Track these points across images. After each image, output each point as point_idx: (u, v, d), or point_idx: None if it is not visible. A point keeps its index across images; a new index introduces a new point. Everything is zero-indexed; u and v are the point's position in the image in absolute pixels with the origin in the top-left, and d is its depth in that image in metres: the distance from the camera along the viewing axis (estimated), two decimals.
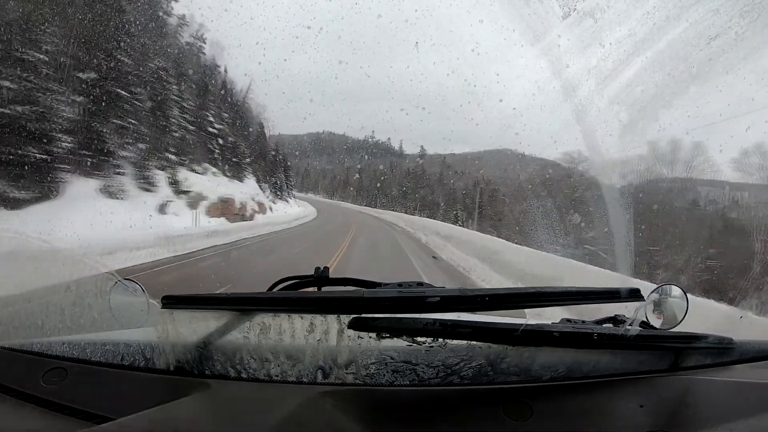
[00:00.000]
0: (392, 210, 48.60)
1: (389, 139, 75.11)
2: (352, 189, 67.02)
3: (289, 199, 34.17)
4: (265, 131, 30.87)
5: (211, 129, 20.83)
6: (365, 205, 57.95)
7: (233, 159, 22.22)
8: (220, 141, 21.38)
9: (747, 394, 0.69)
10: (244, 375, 0.72)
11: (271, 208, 24.13)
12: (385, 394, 0.68)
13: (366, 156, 72.10)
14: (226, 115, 22.92)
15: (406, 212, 45.82)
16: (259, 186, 25.22)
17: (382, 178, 64.45)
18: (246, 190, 21.18)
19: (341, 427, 0.59)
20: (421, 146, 70.62)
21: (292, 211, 26.62)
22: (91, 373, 0.76)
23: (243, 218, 18.31)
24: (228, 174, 21.14)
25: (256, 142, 27.91)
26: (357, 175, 67.18)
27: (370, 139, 72.65)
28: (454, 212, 50.40)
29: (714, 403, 0.68)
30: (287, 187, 34.67)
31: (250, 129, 27.11)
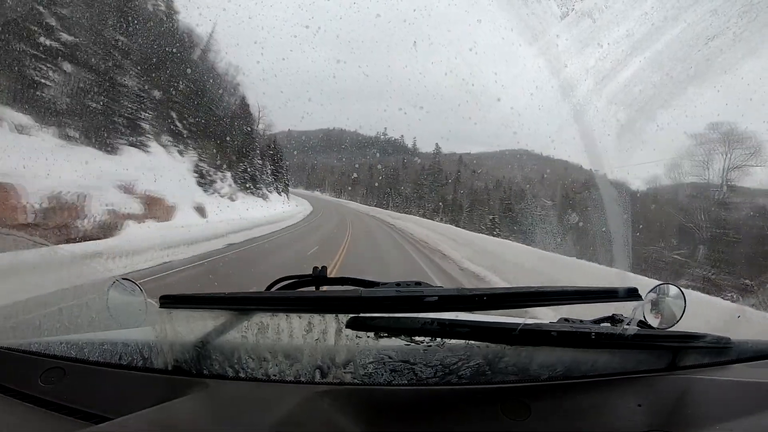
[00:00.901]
0: (406, 212, 38.60)
1: (402, 136, 72.77)
2: (358, 188, 64.64)
3: (271, 193, 25.86)
4: (253, 111, 24.40)
5: (45, 40, 10.50)
6: (375, 205, 50.41)
7: (100, 108, 11.77)
8: (67, 68, 11.12)
9: (744, 393, 0.69)
10: (242, 374, 0.72)
11: (203, 210, 14.16)
12: (383, 394, 0.68)
13: (377, 153, 69.85)
14: (122, 39, 13.30)
15: (424, 215, 38.09)
16: (200, 170, 16.43)
17: (381, 178, 62.46)
18: (115, 169, 11.09)
19: (339, 426, 0.59)
20: (436, 144, 68.47)
21: (258, 213, 16.88)
22: (89, 372, 0.76)
23: (62, 233, 8.27)
24: (73, 134, 10.97)
25: (228, 116, 20.60)
26: (355, 175, 65.61)
27: (382, 136, 71.35)
28: (491, 217, 41.87)
29: (711, 403, 0.68)
30: (276, 180, 28.28)
31: (214, 90, 19.61)
